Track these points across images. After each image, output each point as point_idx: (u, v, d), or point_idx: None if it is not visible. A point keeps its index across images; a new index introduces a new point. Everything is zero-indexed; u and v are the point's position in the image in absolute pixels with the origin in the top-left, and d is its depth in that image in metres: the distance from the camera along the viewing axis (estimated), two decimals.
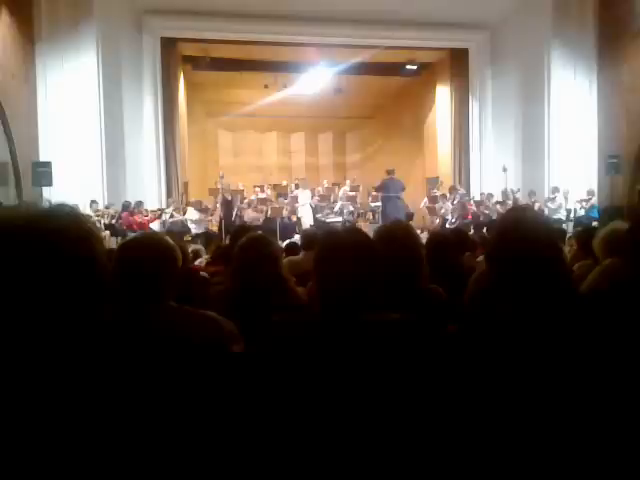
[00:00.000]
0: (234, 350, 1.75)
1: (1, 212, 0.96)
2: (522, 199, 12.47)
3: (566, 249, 4.55)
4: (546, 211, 11.89)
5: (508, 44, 14.39)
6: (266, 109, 19.19)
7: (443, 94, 16.70)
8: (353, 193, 14.80)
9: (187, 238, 11.56)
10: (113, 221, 11.31)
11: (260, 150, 22.47)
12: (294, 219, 13.67)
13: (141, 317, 1.69)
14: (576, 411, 1.31)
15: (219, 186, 13.75)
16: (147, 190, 13.67)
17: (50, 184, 10.31)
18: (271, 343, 1.52)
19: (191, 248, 5.64)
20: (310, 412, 1.41)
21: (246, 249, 2.43)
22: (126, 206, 11.83)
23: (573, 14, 12.57)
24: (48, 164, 10.47)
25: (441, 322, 1.92)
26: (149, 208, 12.70)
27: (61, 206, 0.97)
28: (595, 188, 12.50)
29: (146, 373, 0.98)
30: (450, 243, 3.32)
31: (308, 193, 14.36)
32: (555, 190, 12.46)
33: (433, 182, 15.81)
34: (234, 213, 13.15)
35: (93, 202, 11.05)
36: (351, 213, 14.29)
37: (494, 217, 12.10)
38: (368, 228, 11.03)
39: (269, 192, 14.97)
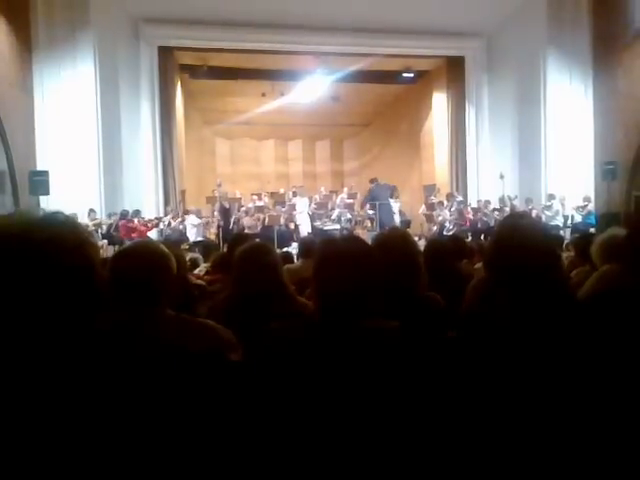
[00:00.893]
0: (232, 358, 1.74)
1: None
2: (519, 206, 12.50)
3: (563, 255, 4.55)
4: (543, 218, 11.91)
5: (504, 51, 14.49)
6: (263, 117, 19.25)
7: (440, 101, 16.77)
8: (351, 200, 14.82)
9: (185, 247, 11.53)
10: (111, 230, 11.29)
11: (257, 158, 22.50)
12: (292, 227, 13.67)
13: (137, 325, 1.68)
14: (575, 415, 1.31)
15: (216, 194, 13.77)
16: (144, 198, 13.67)
17: (47, 193, 10.29)
18: (269, 351, 1.51)
19: (189, 257, 5.62)
20: (309, 421, 1.40)
21: (246, 256, 2.43)
22: (124, 215, 11.82)
23: (568, 21, 12.65)
24: (45, 173, 10.46)
25: (439, 329, 1.92)
26: (146, 217, 12.69)
27: (55, 214, 0.96)
28: (592, 194, 12.52)
29: (143, 382, 0.98)
30: (448, 250, 3.32)
31: (306, 201, 14.37)
32: (551, 197, 12.49)
33: (430, 189, 15.85)
34: (232, 221, 13.15)
35: (91, 211, 11.05)
36: (349, 221, 14.29)
37: (492, 224, 12.13)
38: (366, 235, 11.03)
39: (266, 200, 14.98)
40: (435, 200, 14.33)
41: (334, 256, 1.56)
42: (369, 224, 15.08)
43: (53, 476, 0.84)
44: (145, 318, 1.72)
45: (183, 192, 15.31)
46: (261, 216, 13.37)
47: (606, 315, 1.47)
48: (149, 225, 12.28)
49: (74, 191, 10.97)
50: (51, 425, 0.85)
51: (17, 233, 0.89)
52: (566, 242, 6.19)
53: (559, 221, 12.28)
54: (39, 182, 10.30)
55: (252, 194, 15.27)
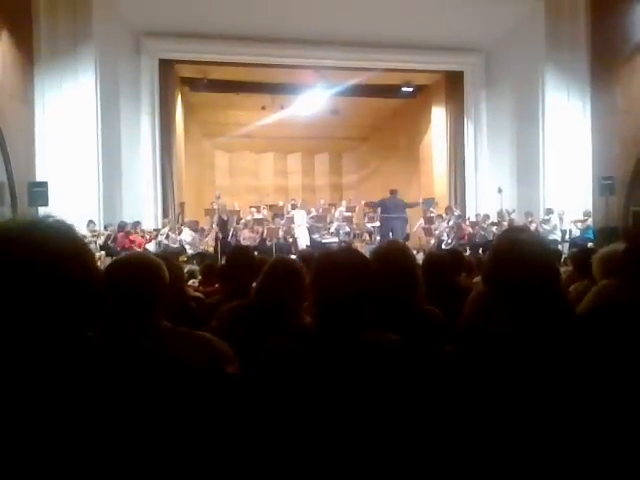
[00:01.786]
0: (228, 371, 1.73)
1: None
2: (518, 220, 12.52)
3: (561, 270, 4.54)
4: (541, 232, 11.91)
5: (503, 67, 14.59)
6: (263, 130, 19.32)
7: (439, 116, 16.85)
8: (349, 214, 14.83)
9: (183, 259, 11.52)
10: (108, 241, 11.28)
11: (257, 171, 22.56)
12: (290, 240, 13.67)
13: (132, 336, 1.67)
14: (575, 429, 1.30)
15: (215, 206, 13.77)
16: (143, 210, 13.66)
17: (46, 204, 10.29)
18: (265, 364, 1.50)
19: (186, 269, 5.62)
20: (305, 434, 1.39)
21: (276, 266, 2.47)
22: (122, 226, 11.81)
23: (566, 38, 12.77)
24: (44, 184, 10.47)
25: (438, 343, 1.91)
26: (145, 229, 12.69)
27: (57, 222, 0.96)
28: (590, 209, 12.55)
29: (137, 395, 0.97)
30: (446, 264, 3.32)
31: (304, 214, 14.38)
32: (549, 212, 12.52)
33: (429, 203, 15.87)
34: (230, 233, 13.15)
35: (90, 222, 11.04)
36: (347, 234, 14.30)
37: (490, 238, 12.13)
38: (364, 249, 11.02)
39: (265, 212, 15.00)
40: (434, 214, 14.35)
41: (331, 268, 1.56)
42: (368, 237, 15.09)
43: None
44: (139, 329, 1.71)
45: (182, 204, 15.33)
46: (260, 229, 13.37)
47: (605, 330, 1.47)
48: (147, 237, 12.27)
49: (73, 202, 10.96)
50: (45, 436, 0.84)
51: (13, 238, 0.88)
52: (564, 257, 6.18)
53: (557, 235, 12.29)
54: (38, 193, 10.32)
55: (251, 207, 15.30)
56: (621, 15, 11.78)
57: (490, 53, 15.08)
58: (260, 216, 14.25)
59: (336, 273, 1.52)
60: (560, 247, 10.93)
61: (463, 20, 12.95)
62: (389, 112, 19.63)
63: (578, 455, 1.29)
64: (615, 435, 1.29)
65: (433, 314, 2.33)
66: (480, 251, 11.22)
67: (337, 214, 14.88)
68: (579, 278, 3.67)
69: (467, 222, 13.75)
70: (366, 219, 15.02)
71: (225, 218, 13.48)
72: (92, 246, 10.05)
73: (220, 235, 13.16)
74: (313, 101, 17.19)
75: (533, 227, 11.69)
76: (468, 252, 11.04)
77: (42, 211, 10.26)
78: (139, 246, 11.51)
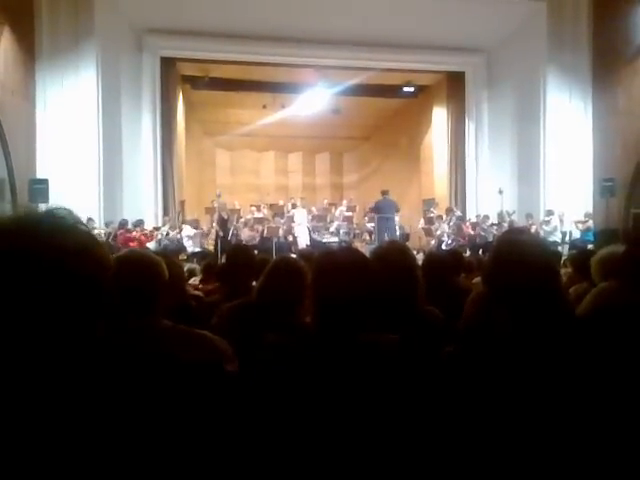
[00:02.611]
0: (228, 370, 1.73)
1: None
2: (518, 221, 12.52)
3: (561, 272, 4.54)
4: (541, 233, 11.91)
5: (504, 67, 14.58)
6: (264, 129, 19.31)
7: (440, 116, 16.85)
8: (350, 213, 14.83)
9: (183, 257, 11.52)
10: (109, 239, 11.27)
11: (258, 170, 22.55)
12: (290, 239, 13.66)
13: (131, 334, 1.67)
14: (575, 431, 1.30)
15: (215, 205, 13.77)
16: (144, 208, 13.67)
17: (46, 201, 10.28)
18: (264, 363, 1.50)
19: (186, 267, 5.62)
20: (307, 433, 1.39)
21: (278, 265, 2.48)
22: (123, 224, 11.81)
23: (568, 39, 12.75)
24: (45, 181, 10.47)
25: (438, 344, 1.91)
26: (146, 226, 12.68)
27: (61, 212, 0.95)
28: (590, 211, 12.54)
29: (137, 393, 0.97)
30: (446, 264, 3.32)
31: (304, 213, 14.38)
32: (549, 213, 12.51)
33: (429, 203, 15.87)
34: (230, 232, 13.14)
35: (90, 219, 11.03)
36: (347, 233, 14.30)
37: (490, 239, 12.13)
38: (364, 249, 11.01)
39: (265, 211, 15.00)
40: (434, 214, 14.34)
41: (331, 267, 1.55)
42: (368, 237, 15.08)
43: None
44: (139, 327, 1.71)
45: (182, 203, 15.33)
46: (260, 227, 13.37)
47: (605, 331, 1.47)
48: (148, 235, 12.27)
49: (73, 199, 10.93)
50: (46, 435, 0.84)
51: (16, 232, 0.87)
52: (564, 258, 6.17)
53: (557, 237, 12.28)
54: (39, 190, 10.31)
55: (251, 205, 15.30)
56: (623, 16, 11.76)
57: (492, 53, 15.07)
58: (260, 215, 14.25)
59: (336, 273, 1.52)
60: (560, 249, 10.93)
61: (465, 20, 12.95)
62: (390, 112, 19.63)
63: (578, 455, 1.29)
64: (615, 436, 1.29)
65: (433, 314, 2.33)
66: (480, 252, 11.22)
67: (337, 213, 14.89)
68: (579, 280, 3.66)
69: (467, 223, 13.75)
70: (366, 219, 15.03)
71: (225, 217, 13.47)
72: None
73: (220, 234, 13.15)
74: (314, 100, 17.19)
75: (533, 228, 11.68)
76: (468, 253, 11.04)
77: (42, 208, 10.25)
78: (140, 244, 11.51)
